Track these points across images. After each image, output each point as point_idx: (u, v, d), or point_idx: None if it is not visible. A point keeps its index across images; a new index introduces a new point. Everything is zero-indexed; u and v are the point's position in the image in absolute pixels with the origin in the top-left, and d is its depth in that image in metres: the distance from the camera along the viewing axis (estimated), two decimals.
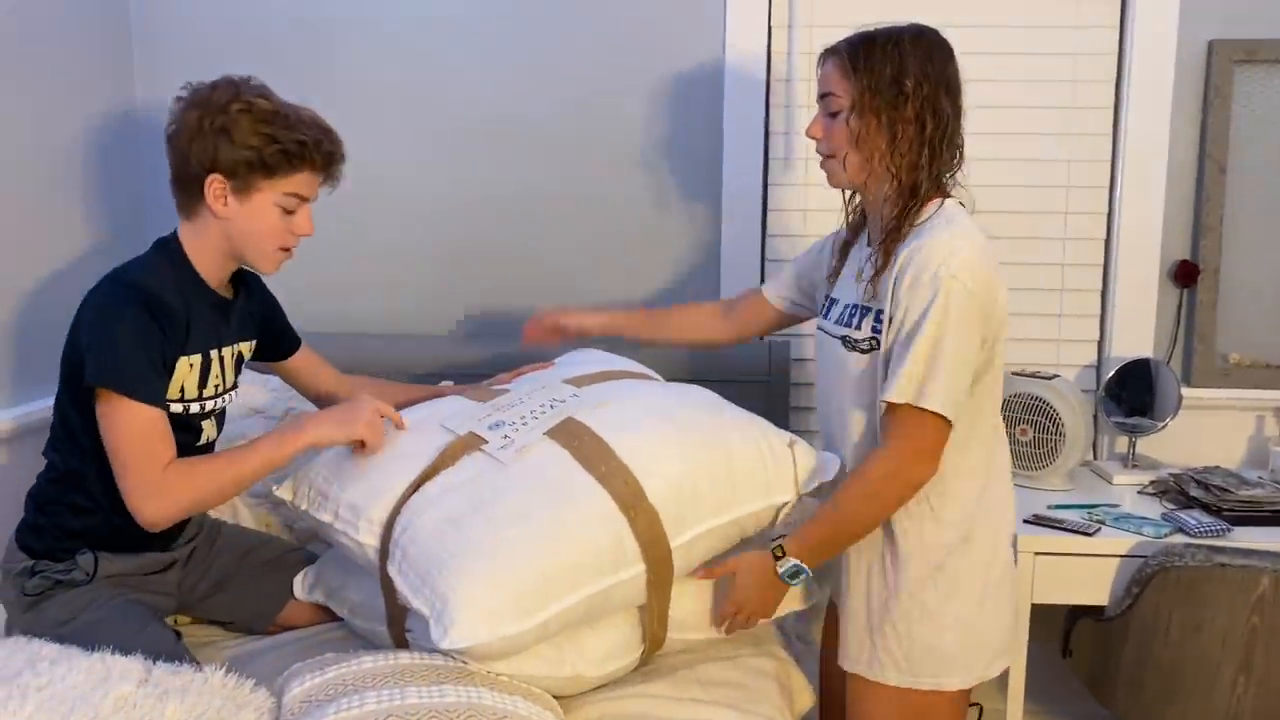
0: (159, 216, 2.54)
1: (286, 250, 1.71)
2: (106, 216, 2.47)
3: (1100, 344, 2.53)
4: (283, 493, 1.76)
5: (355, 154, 2.48)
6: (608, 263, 2.58)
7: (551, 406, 1.73)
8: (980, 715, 2.32)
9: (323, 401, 2.03)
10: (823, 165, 1.69)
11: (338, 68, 2.55)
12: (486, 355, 2.47)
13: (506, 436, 1.65)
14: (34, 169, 2.22)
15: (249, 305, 1.85)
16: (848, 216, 1.78)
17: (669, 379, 2.34)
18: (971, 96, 2.44)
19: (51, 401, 1.74)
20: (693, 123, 2.52)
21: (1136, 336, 2.48)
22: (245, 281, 1.84)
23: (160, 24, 2.57)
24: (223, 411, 1.83)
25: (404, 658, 1.43)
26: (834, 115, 1.63)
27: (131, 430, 1.57)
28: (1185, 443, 2.45)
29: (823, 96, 1.65)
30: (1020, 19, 2.44)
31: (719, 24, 2.47)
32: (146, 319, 1.59)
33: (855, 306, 1.67)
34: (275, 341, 1.95)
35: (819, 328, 1.79)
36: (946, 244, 1.54)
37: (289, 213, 1.68)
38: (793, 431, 2.48)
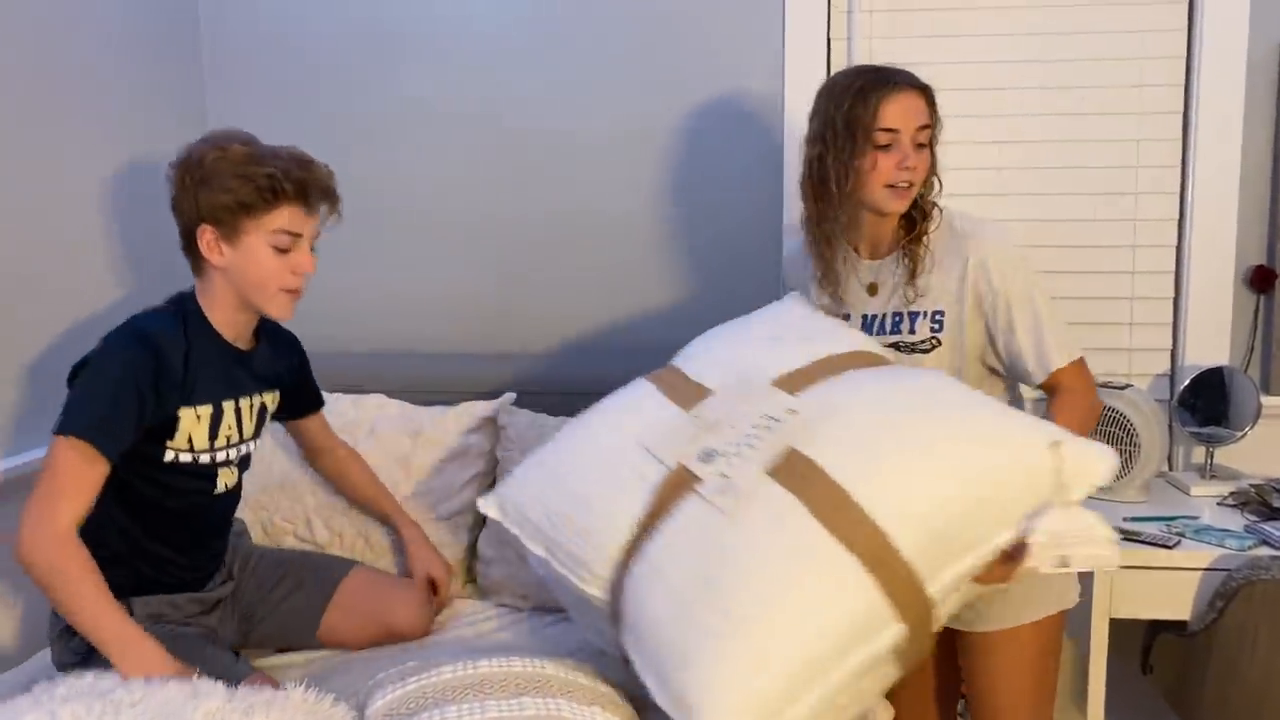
0: None
1: (291, 291, 1.70)
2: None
3: (1173, 352, 2.48)
4: (489, 510, 1.67)
5: (410, 173, 2.59)
6: (661, 285, 2.59)
7: (767, 427, 1.48)
8: None
9: (315, 457, 2.11)
10: (901, 195, 1.74)
11: (394, 89, 2.60)
12: (533, 374, 2.49)
13: (723, 475, 1.44)
14: (104, 205, 2.28)
15: (274, 357, 1.86)
16: (824, 244, 1.80)
17: None
18: (1037, 102, 2.46)
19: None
20: (750, 141, 2.52)
21: (1211, 344, 2.43)
22: (269, 334, 1.86)
23: (230, 58, 2.64)
24: (246, 458, 1.84)
25: (483, 666, 1.44)
26: (921, 146, 1.74)
27: (68, 463, 1.54)
28: (1265, 453, 2.38)
29: (922, 128, 1.74)
30: (1084, 24, 2.41)
31: (777, 38, 2.48)
32: (137, 376, 1.58)
33: (898, 314, 1.79)
34: (296, 400, 1.99)
35: None
36: (993, 231, 1.77)
37: (283, 251, 1.67)
38: None
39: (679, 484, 1.47)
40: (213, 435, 1.71)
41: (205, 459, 1.72)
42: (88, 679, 1.45)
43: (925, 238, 1.77)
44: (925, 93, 1.75)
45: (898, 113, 1.70)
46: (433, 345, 2.62)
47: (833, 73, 1.88)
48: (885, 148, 1.70)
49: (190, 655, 1.61)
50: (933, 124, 1.76)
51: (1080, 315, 2.46)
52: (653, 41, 2.52)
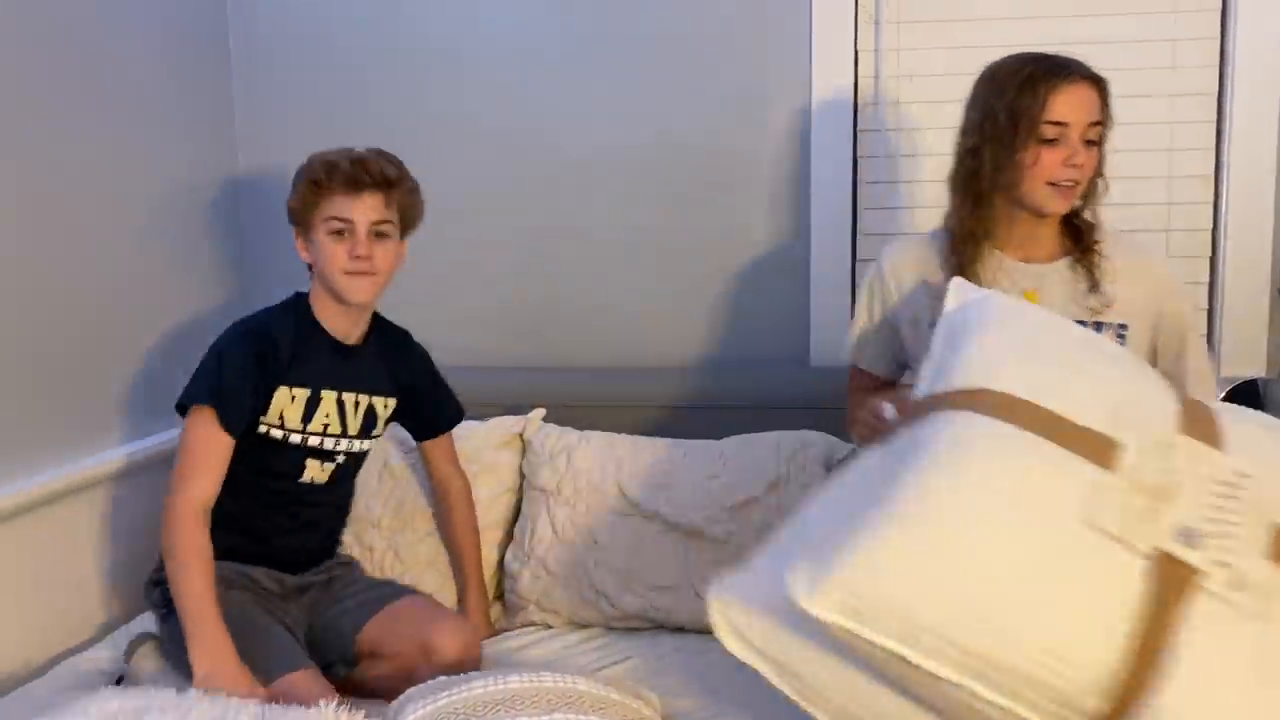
0: (261, 274, 2.65)
1: (351, 274, 1.80)
2: (213, 270, 2.57)
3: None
4: (825, 612, 1.11)
5: (443, 190, 2.60)
6: (690, 299, 2.59)
7: (1230, 495, 1.16)
8: None
9: (435, 488, 2.10)
10: (1064, 194, 1.64)
11: (423, 105, 2.61)
12: (561, 389, 2.48)
13: (1223, 563, 1.11)
14: (139, 229, 2.30)
15: (390, 361, 1.95)
16: (970, 244, 1.68)
17: (740, 412, 2.33)
18: None
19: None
20: (778, 151, 2.52)
21: (1247, 356, 2.40)
22: (390, 339, 1.98)
23: (259, 74, 2.67)
24: (346, 462, 1.90)
25: (514, 682, 1.44)
26: (1091, 144, 1.63)
27: (195, 437, 1.74)
28: None
29: (1093, 124, 1.63)
30: (1116, 33, 2.39)
31: (805, 49, 2.47)
32: (246, 351, 1.78)
33: (1080, 324, 1.55)
34: (415, 415, 2.03)
35: None
36: (1158, 251, 1.71)
37: (339, 236, 1.80)
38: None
39: (1173, 578, 1.10)
40: (306, 418, 1.82)
41: (295, 439, 1.82)
42: (122, 695, 1.46)
43: (1096, 244, 1.68)
44: (1099, 85, 1.63)
45: (1069, 105, 1.59)
46: (461, 359, 2.63)
47: (996, 65, 1.68)
48: (1051, 142, 1.59)
49: (260, 625, 1.73)
50: (1104, 120, 1.64)
51: None
52: (679, 56, 2.52)
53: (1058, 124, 1.59)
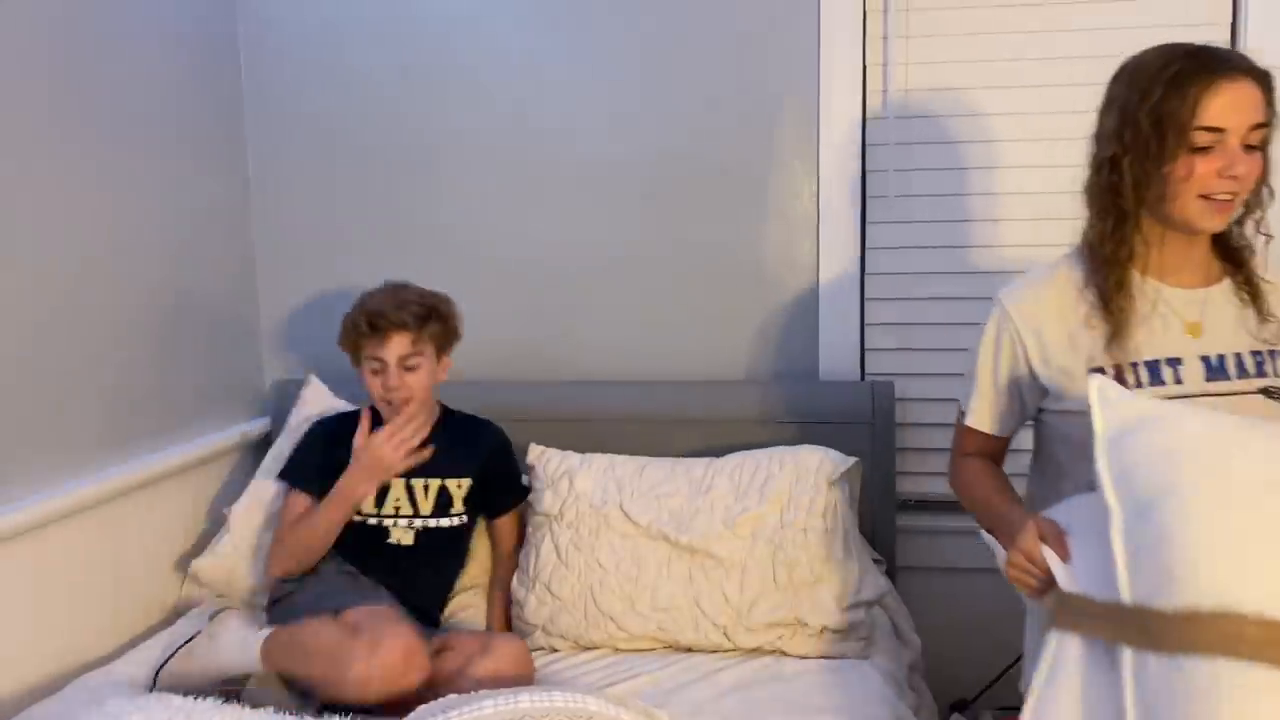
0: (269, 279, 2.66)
1: (387, 402, 2.11)
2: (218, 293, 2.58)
3: None
4: None
5: (453, 205, 2.61)
6: (697, 314, 2.58)
7: None
8: None
9: (496, 552, 2.27)
10: (1221, 209, 1.41)
11: (434, 122, 2.62)
12: (568, 403, 2.50)
13: None
14: (183, 242, 2.38)
15: (462, 449, 2.17)
16: (1111, 269, 1.46)
17: (748, 426, 2.37)
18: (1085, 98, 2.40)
19: None
20: (787, 163, 2.51)
21: None
22: (462, 427, 2.22)
23: (270, 90, 2.67)
24: (434, 531, 2.12)
25: (524, 701, 1.43)
26: (1252, 149, 1.40)
27: (281, 507, 2.20)
28: None
29: (1255, 127, 1.39)
30: (1128, 21, 2.37)
31: (813, 64, 2.46)
32: (312, 434, 2.25)
33: (1258, 353, 1.45)
34: (487, 494, 2.20)
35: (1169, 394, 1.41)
36: None
37: (375, 372, 2.12)
38: (901, 477, 2.46)
39: None
40: (379, 502, 2.11)
41: (373, 521, 2.11)
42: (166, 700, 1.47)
43: (1254, 263, 1.48)
44: (1262, 81, 1.39)
45: (1224, 107, 1.35)
46: (466, 373, 2.62)
47: (1135, 60, 1.45)
48: (1204, 150, 1.37)
49: (360, 587, 2.00)
50: (1270, 121, 1.40)
51: None
52: (686, 71, 2.52)
53: (1212, 130, 1.36)
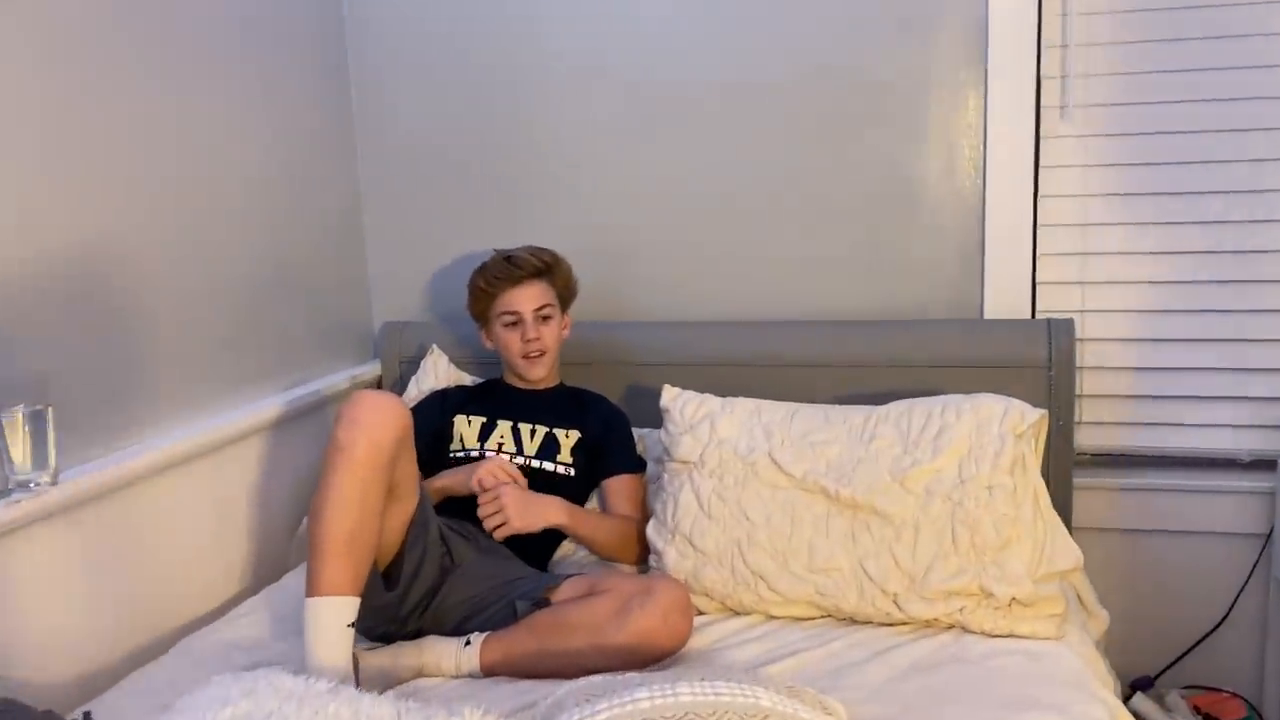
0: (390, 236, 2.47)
1: (527, 356, 2.09)
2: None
3: None
4: None
5: (571, 134, 2.38)
6: (842, 246, 2.31)
7: None
8: None
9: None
10: None
11: (547, 44, 2.38)
12: (714, 350, 2.28)
13: None
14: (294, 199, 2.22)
15: (572, 406, 2.14)
16: None
17: (902, 371, 2.13)
18: None
19: None
20: (950, 70, 2.21)
21: None
22: (571, 392, 2.18)
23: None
24: (536, 472, 2.03)
25: (684, 693, 1.21)
26: None
27: None
28: None
29: None
30: None
31: None
32: (433, 394, 2.24)
33: None
34: (591, 455, 2.09)
35: None
36: None
37: (512, 325, 2.10)
38: (1087, 428, 2.18)
39: None
40: (482, 438, 2.07)
41: (475, 454, 2.05)
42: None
43: None
44: None
45: None
46: (588, 313, 2.41)
47: None
48: None
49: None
50: None
51: None
52: None
53: None
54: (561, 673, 1.56)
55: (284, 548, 2.17)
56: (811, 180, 2.30)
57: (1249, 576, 2.21)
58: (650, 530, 1.91)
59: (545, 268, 2.11)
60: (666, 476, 1.93)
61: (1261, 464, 2.18)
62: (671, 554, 1.84)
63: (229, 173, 2.06)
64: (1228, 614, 2.23)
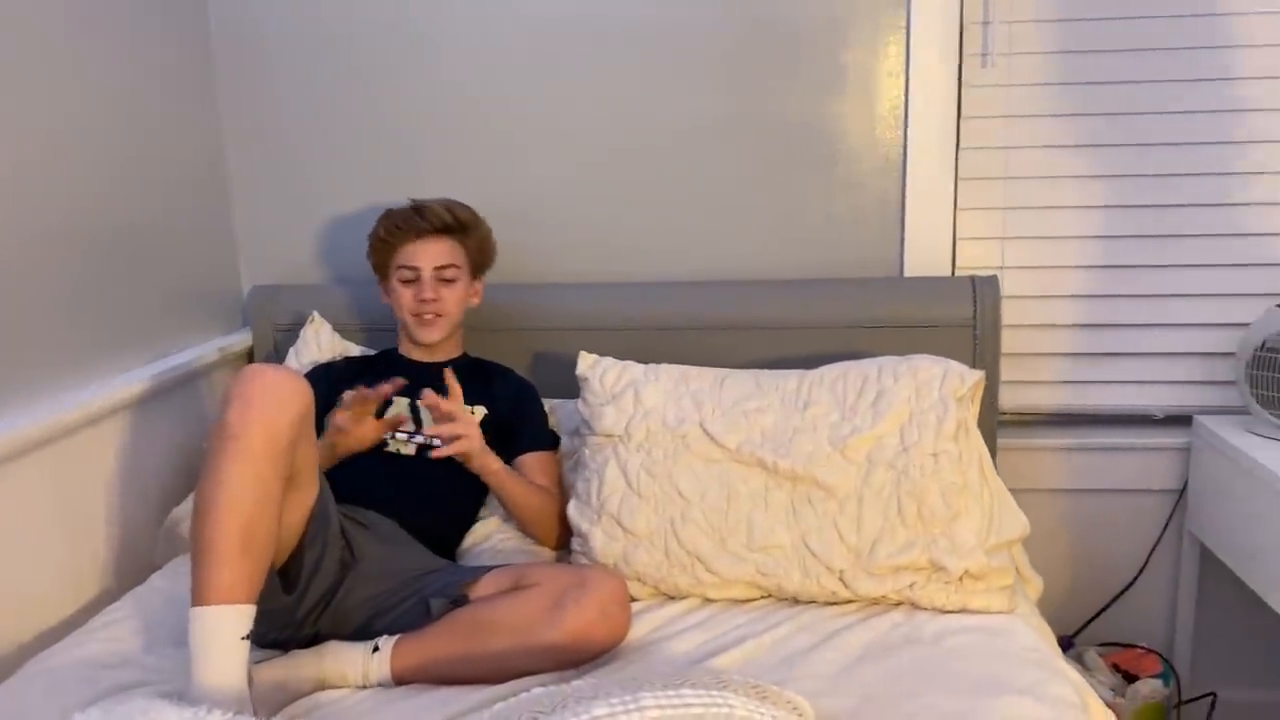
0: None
1: (419, 316, 1.92)
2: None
3: None
4: None
5: (477, 78, 2.16)
6: (759, 202, 2.18)
7: None
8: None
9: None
10: None
11: None
12: (629, 312, 2.12)
13: None
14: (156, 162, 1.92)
15: (477, 381, 1.94)
16: None
17: (825, 333, 2.04)
18: None
19: None
20: (867, 15, 2.09)
21: None
22: (475, 364, 2.00)
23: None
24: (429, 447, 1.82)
25: (649, 706, 1.06)
26: None
27: None
28: None
29: None
30: None
31: None
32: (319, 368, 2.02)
33: None
34: (501, 435, 1.89)
35: None
36: None
37: (409, 282, 1.92)
38: (1008, 387, 2.13)
39: None
40: (375, 417, 1.82)
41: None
42: None
43: None
44: None
45: None
46: (504, 276, 2.21)
47: None
48: None
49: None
50: None
51: (1251, 225, 2.10)
52: None
53: None
54: (486, 677, 1.40)
55: (148, 544, 1.91)
56: (727, 132, 2.16)
57: (1163, 532, 2.21)
58: (572, 511, 1.74)
59: (456, 225, 1.94)
60: (588, 452, 1.76)
61: (1177, 420, 2.17)
62: (598, 536, 1.68)
63: (57, 115, 1.75)
64: (1142, 570, 2.23)
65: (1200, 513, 2.12)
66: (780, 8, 2.10)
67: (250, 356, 2.24)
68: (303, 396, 1.39)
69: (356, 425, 1.76)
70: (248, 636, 1.30)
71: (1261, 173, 2.08)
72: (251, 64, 2.22)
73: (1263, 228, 2.10)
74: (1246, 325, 2.03)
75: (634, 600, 1.63)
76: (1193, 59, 2.06)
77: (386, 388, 1.70)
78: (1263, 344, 1.95)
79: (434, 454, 1.73)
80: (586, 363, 1.84)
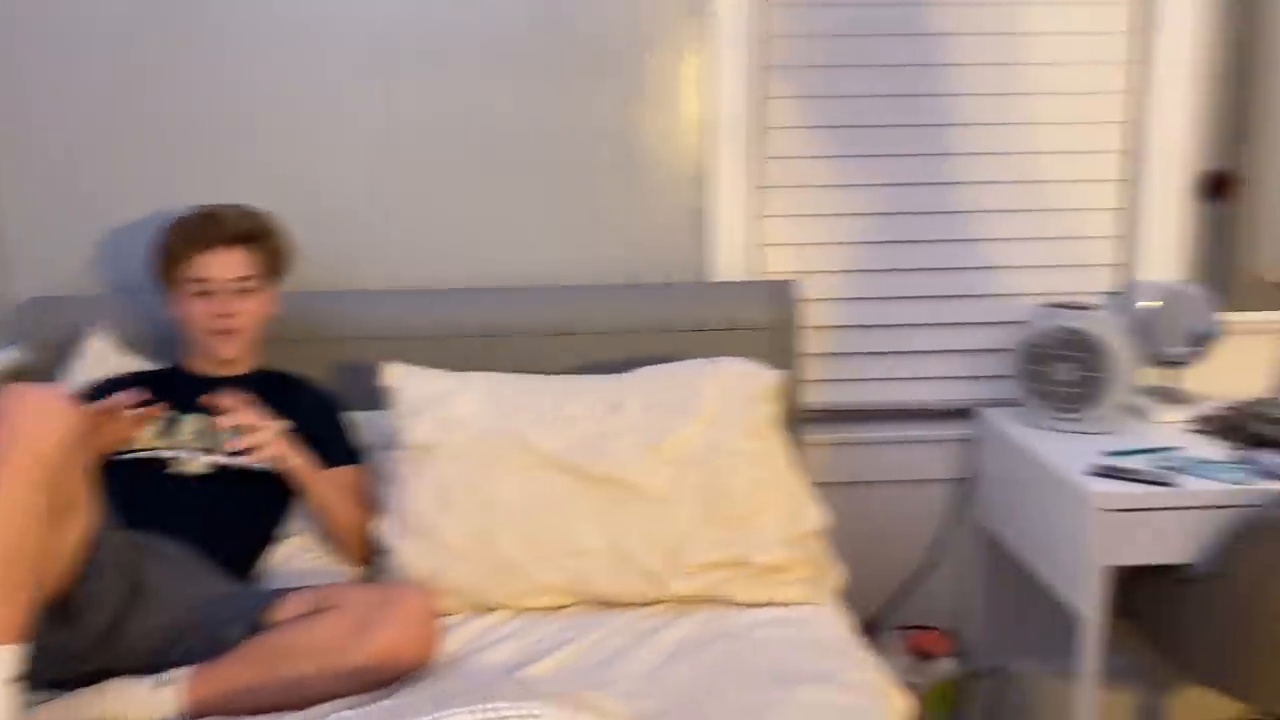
0: None
1: (216, 332, 1.82)
2: None
3: (1120, 268, 2.30)
4: None
5: (254, 79, 2.07)
6: (571, 207, 2.19)
7: None
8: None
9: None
10: None
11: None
12: (433, 320, 2.08)
13: None
14: None
15: (271, 395, 1.83)
16: None
17: (631, 337, 2.05)
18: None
19: None
20: (669, 25, 2.14)
21: (1164, 258, 2.26)
22: (268, 376, 1.90)
23: None
24: (232, 471, 1.75)
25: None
26: None
27: None
28: (1224, 374, 2.25)
29: None
30: None
31: None
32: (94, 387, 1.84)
33: None
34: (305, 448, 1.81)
35: None
36: None
37: (202, 295, 1.81)
38: (809, 385, 2.20)
39: None
40: (166, 436, 1.76)
41: (158, 455, 1.75)
42: None
43: None
44: None
45: None
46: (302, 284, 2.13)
47: None
48: None
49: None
50: None
51: (1021, 229, 2.27)
52: None
53: None
54: (291, 705, 1.34)
55: None
56: (533, 138, 2.16)
57: (953, 519, 2.35)
58: (381, 527, 1.70)
59: (252, 233, 1.85)
60: (398, 465, 1.72)
61: (965, 413, 2.32)
62: (409, 551, 1.64)
63: None
64: (935, 556, 2.37)
65: (985, 500, 2.27)
66: (585, 16, 2.12)
67: (22, 375, 2.07)
68: (71, 417, 1.30)
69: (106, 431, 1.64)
70: (19, 678, 1.20)
71: (1044, 181, 2.25)
72: (16, 53, 2.05)
73: (1036, 232, 2.27)
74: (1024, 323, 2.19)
75: (446, 615, 1.60)
76: (953, 71, 2.21)
77: (124, 398, 1.61)
78: (1035, 341, 2.11)
79: (249, 459, 1.66)
80: (395, 373, 1.80)
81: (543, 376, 1.83)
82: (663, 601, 1.64)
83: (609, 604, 1.65)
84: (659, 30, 2.13)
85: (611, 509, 1.65)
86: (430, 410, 1.73)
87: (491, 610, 1.64)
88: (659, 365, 1.84)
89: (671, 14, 2.13)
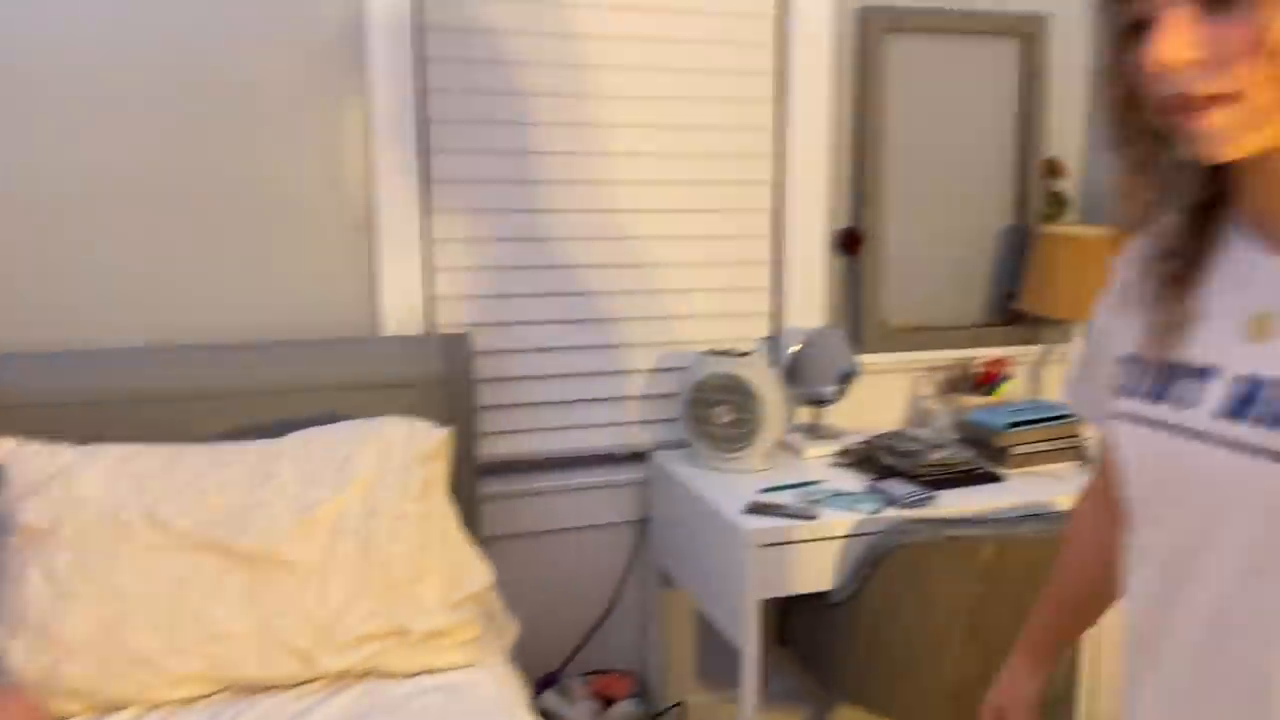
0: None
1: None
2: None
3: (773, 316, 2.47)
4: None
5: None
6: (227, 261, 2.07)
7: None
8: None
9: None
10: (1202, 119, 0.73)
11: None
12: (61, 385, 1.88)
13: None
14: None
15: None
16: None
17: (294, 397, 1.97)
18: (632, 56, 2.30)
19: None
20: (330, 81, 2.08)
21: (808, 306, 2.46)
22: None
23: None
24: None
25: None
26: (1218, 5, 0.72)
27: None
28: (860, 410, 2.47)
29: None
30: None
31: None
32: None
33: None
34: None
35: (1164, 423, 0.83)
36: None
37: None
38: (486, 438, 2.20)
39: None
40: None
41: None
42: None
43: None
44: None
45: None
46: None
47: None
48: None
49: None
50: None
51: (683, 281, 2.39)
52: None
53: None
54: None
55: None
56: (184, 188, 2.02)
57: (631, 561, 2.42)
58: None
59: None
60: (5, 554, 1.54)
61: (640, 456, 2.39)
62: (19, 651, 1.47)
63: None
64: (615, 599, 2.42)
65: (658, 540, 2.35)
66: (240, 65, 2.02)
67: None
68: None
69: None
70: None
71: (710, 237, 2.38)
72: None
73: (702, 285, 2.40)
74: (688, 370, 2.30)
75: (63, 719, 1.44)
76: (617, 109, 2.31)
77: None
78: (696, 386, 2.22)
79: None
80: (4, 448, 1.61)
81: (186, 446, 1.70)
82: (315, 680, 1.56)
83: (256, 689, 1.55)
84: (316, 84, 2.07)
85: (258, 587, 1.56)
86: (47, 489, 1.56)
87: (118, 710, 1.49)
88: (315, 428, 1.76)
89: (333, 64, 2.07)
